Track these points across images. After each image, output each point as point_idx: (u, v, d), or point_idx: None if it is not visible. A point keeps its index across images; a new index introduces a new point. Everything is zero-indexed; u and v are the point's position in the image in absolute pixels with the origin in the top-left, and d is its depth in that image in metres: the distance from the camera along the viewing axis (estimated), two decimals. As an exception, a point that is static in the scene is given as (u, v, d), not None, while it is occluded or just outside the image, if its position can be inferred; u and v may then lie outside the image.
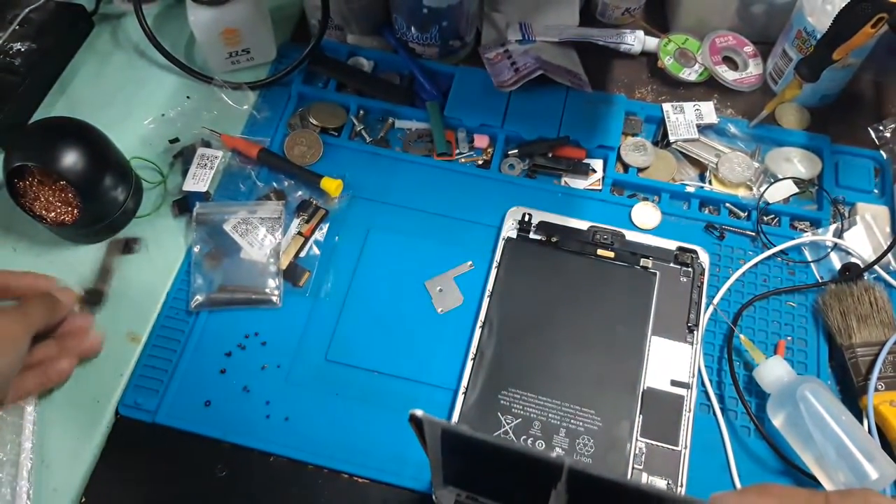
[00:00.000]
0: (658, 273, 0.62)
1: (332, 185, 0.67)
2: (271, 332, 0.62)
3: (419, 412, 0.29)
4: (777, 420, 0.55)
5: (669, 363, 0.59)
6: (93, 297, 0.63)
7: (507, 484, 0.32)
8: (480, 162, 0.71)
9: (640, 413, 0.56)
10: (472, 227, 0.66)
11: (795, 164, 0.69)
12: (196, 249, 0.65)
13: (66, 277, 0.65)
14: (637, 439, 0.55)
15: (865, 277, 0.62)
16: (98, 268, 0.65)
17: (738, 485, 0.55)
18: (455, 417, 0.56)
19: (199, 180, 0.68)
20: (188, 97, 0.76)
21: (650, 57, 0.78)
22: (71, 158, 0.60)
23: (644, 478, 0.54)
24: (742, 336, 0.59)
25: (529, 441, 0.54)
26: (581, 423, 0.56)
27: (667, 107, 0.72)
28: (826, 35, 0.61)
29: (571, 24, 0.79)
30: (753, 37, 0.77)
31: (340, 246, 0.66)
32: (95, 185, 0.62)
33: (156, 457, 0.57)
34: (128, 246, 0.66)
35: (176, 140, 0.72)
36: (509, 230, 0.65)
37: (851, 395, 0.58)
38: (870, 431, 0.55)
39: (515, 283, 0.62)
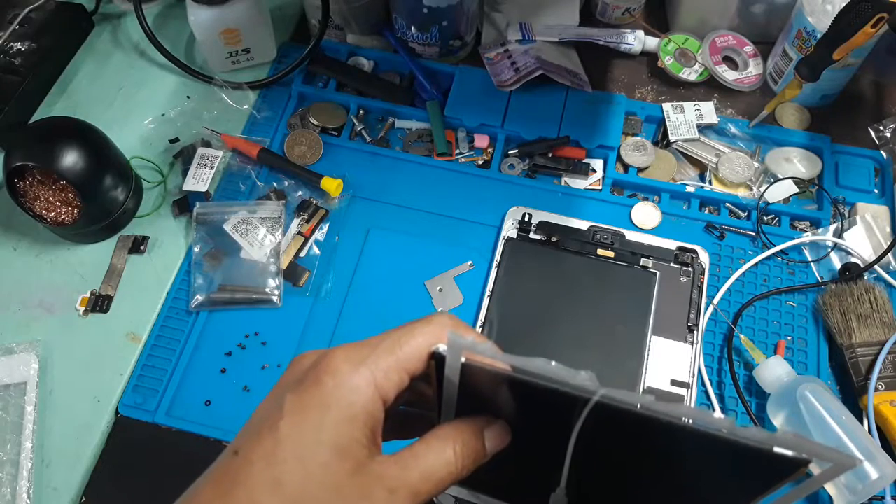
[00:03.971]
0: (658, 273, 0.62)
1: (332, 185, 0.67)
2: (271, 332, 0.62)
3: (442, 347, 0.28)
4: (777, 420, 0.55)
5: (669, 363, 0.59)
6: (102, 303, 0.63)
7: (516, 464, 0.32)
8: (480, 162, 0.71)
9: (640, 413, 0.56)
10: (472, 226, 0.66)
11: (795, 163, 0.69)
12: (196, 249, 0.65)
13: (66, 278, 0.65)
14: (637, 439, 0.55)
15: (865, 277, 0.62)
16: (105, 268, 0.65)
17: None
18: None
19: (199, 180, 0.68)
20: (188, 97, 0.76)
21: (650, 57, 0.78)
22: (71, 158, 0.60)
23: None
24: (742, 336, 0.59)
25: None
26: (581, 423, 0.55)
27: (667, 107, 0.72)
28: (826, 35, 0.61)
29: (571, 24, 0.79)
30: (753, 37, 0.77)
31: (340, 246, 0.66)
32: (95, 185, 0.62)
33: (156, 457, 0.57)
34: (136, 245, 0.66)
35: (176, 140, 0.72)
36: (509, 230, 0.65)
37: (851, 395, 0.58)
38: (870, 431, 0.55)
39: (515, 283, 0.62)
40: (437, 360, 0.28)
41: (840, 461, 0.23)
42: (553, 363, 0.25)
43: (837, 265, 0.64)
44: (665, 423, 0.25)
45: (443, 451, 0.28)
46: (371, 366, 0.27)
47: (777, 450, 0.23)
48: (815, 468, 0.24)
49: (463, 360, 0.27)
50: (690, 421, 0.24)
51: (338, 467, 0.26)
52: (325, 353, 0.28)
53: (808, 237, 0.65)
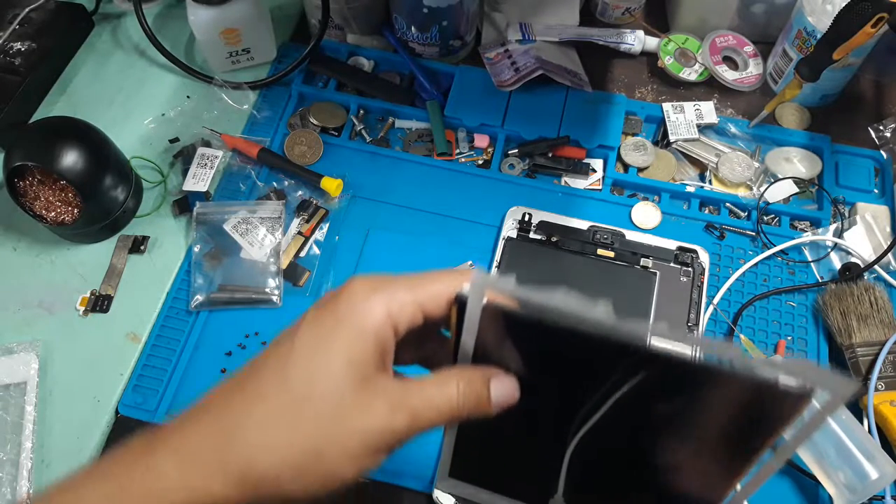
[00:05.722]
0: (658, 273, 0.62)
1: (332, 185, 0.67)
2: (272, 332, 0.62)
3: (466, 287, 0.28)
4: (777, 420, 0.55)
5: (669, 363, 0.59)
6: (102, 303, 0.63)
7: (520, 443, 0.32)
8: (480, 162, 0.71)
9: (640, 413, 0.56)
10: (473, 226, 0.66)
11: (795, 163, 0.69)
12: (196, 249, 0.65)
13: (66, 278, 0.65)
14: (637, 439, 0.55)
15: (865, 277, 0.62)
16: (105, 268, 0.65)
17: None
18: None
19: (199, 180, 0.68)
20: (188, 97, 0.76)
21: (650, 57, 0.78)
22: (71, 158, 0.60)
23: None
24: (742, 336, 0.59)
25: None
26: (581, 423, 0.55)
27: (667, 106, 0.72)
28: (826, 35, 0.61)
29: (571, 23, 0.79)
30: (753, 37, 0.77)
31: (340, 245, 0.66)
32: (95, 184, 0.62)
33: (156, 456, 0.57)
34: (136, 245, 0.66)
35: (176, 140, 0.72)
36: (509, 230, 0.65)
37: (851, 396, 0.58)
38: (870, 431, 0.55)
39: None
40: (459, 303, 0.29)
41: (839, 389, 0.23)
42: (570, 294, 0.26)
43: (837, 265, 0.64)
44: (678, 361, 0.25)
45: (446, 385, 0.29)
46: (387, 295, 0.29)
47: (782, 379, 0.24)
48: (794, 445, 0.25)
49: (485, 300, 0.28)
50: (700, 353, 0.25)
51: (344, 375, 0.27)
52: (348, 280, 0.30)
53: (808, 237, 0.65)
